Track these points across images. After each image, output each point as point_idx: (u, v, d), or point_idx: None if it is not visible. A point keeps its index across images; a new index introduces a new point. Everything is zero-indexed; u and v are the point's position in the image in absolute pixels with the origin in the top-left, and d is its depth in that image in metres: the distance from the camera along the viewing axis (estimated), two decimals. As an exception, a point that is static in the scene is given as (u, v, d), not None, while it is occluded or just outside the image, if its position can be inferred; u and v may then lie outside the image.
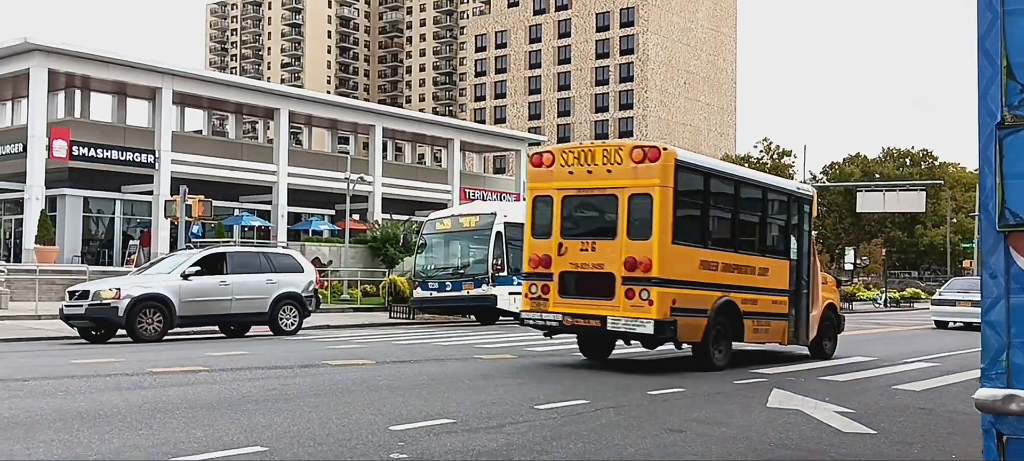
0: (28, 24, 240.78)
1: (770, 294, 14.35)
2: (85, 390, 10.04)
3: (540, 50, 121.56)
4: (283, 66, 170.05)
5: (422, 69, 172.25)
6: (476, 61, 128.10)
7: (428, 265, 27.47)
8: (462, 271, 26.80)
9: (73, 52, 39.06)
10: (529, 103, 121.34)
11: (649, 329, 12.20)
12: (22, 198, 38.74)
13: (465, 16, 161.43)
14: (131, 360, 13.77)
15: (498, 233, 25.95)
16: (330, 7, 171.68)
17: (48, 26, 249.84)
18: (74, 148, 38.76)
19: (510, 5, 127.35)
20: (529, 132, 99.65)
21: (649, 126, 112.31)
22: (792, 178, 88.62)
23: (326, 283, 35.21)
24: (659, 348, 14.57)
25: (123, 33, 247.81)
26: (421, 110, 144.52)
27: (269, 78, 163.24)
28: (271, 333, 20.14)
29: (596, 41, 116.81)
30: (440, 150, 65.79)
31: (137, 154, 41.23)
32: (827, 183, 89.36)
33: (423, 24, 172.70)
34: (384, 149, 56.66)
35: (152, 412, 8.42)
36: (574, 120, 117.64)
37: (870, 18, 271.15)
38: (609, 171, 12.64)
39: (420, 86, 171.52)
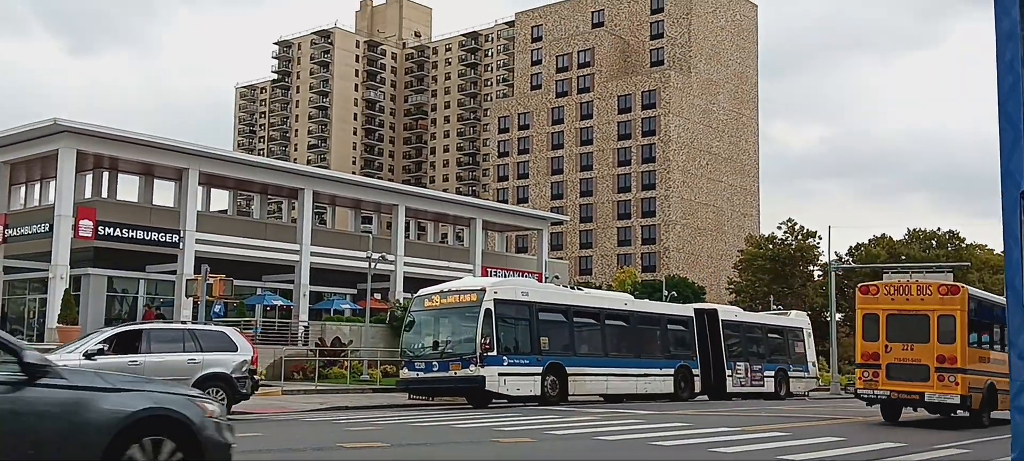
0: (57, 106, 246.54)
1: (1006, 378, 19.64)
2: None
3: (562, 132, 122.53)
4: (309, 147, 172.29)
5: (446, 150, 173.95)
6: (499, 142, 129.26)
7: (415, 344, 25.92)
8: (449, 351, 24.94)
9: (101, 133, 39.67)
10: (552, 183, 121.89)
11: (956, 401, 18.77)
12: (47, 277, 39.01)
13: (488, 98, 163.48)
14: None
15: (487, 310, 24.21)
16: (356, 90, 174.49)
17: (77, 108, 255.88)
18: (100, 228, 39.12)
19: (533, 88, 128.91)
20: (551, 212, 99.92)
21: (672, 206, 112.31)
22: (818, 260, 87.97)
23: (346, 363, 34.99)
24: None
25: (154, 115, 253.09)
26: (445, 190, 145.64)
27: (296, 159, 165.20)
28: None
29: (618, 123, 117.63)
30: (462, 229, 65.94)
31: (162, 234, 41.54)
32: (853, 265, 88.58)
33: (447, 106, 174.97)
34: (407, 228, 56.84)
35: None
36: (596, 200, 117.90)
37: (889, 99, 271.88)
38: (922, 300, 19.47)
39: (444, 167, 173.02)
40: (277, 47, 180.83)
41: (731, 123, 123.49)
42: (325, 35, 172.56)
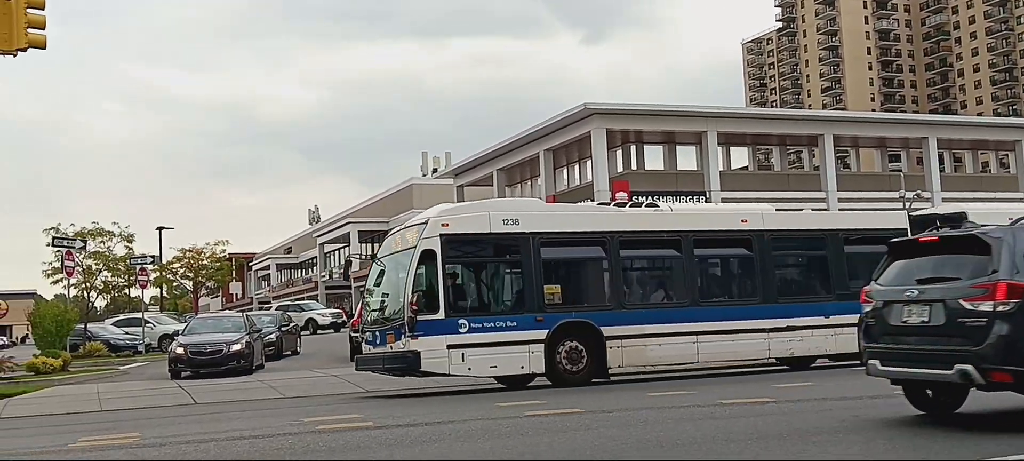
0: (582, 92, 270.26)
1: None
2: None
3: None
4: (823, 91, 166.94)
5: (976, 70, 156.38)
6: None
7: (369, 308, 18.54)
8: (385, 316, 17.28)
9: (625, 110, 42.71)
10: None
11: None
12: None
13: (1020, 4, 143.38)
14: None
15: (426, 252, 16.12)
16: (867, 22, 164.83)
17: (599, 92, 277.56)
18: (633, 197, 42.09)
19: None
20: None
21: None
22: None
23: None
24: None
25: (667, 87, 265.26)
26: (979, 114, 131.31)
27: (810, 105, 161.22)
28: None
29: None
30: (1006, 155, 58.90)
31: (689, 197, 43.39)
32: None
33: (972, 21, 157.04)
34: (940, 161, 52.42)
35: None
36: None
37: None
38: None
39: (975, 88, 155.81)
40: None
41: None
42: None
